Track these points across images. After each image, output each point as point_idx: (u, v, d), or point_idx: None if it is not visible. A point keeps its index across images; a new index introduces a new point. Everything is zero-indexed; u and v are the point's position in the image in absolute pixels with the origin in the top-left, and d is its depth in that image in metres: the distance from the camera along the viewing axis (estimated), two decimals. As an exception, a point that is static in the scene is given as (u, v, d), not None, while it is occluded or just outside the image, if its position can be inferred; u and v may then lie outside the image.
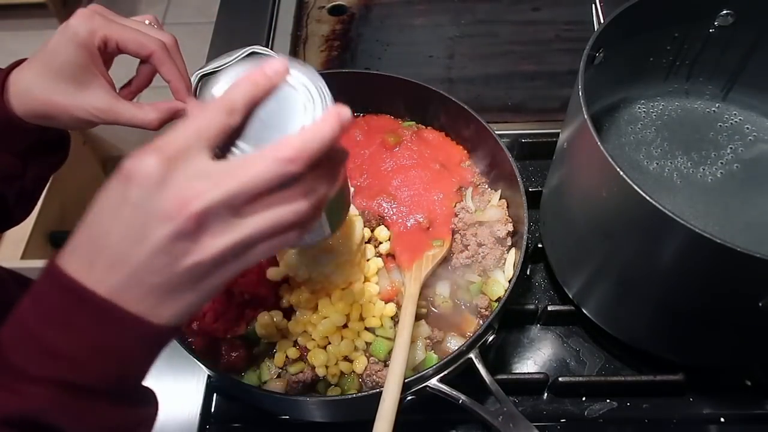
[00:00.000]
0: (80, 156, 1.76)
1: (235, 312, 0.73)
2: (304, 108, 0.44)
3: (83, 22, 0.57)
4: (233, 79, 0.44)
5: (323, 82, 0.46)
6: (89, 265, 0.39)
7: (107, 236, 0.39)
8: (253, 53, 0.88)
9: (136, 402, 0.44)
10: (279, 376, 0.71)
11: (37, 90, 0.59)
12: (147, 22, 0.62)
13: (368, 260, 0.77)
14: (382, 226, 0.80)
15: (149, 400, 0.45)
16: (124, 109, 0.60)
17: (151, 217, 0.37)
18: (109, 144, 1.84)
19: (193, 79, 0.82)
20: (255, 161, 0.38)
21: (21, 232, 1.56)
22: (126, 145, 1.86)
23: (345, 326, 0.73)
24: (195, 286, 0.40)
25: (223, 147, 0.40)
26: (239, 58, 0.85)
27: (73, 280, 0.39)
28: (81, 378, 0.39)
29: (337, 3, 1.27)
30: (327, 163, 0.41)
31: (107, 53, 0.60)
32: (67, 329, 0.39)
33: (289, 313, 0.73)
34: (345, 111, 0.40)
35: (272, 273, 0.74)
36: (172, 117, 0.62)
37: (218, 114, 0.40)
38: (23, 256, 1.54)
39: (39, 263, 1.53)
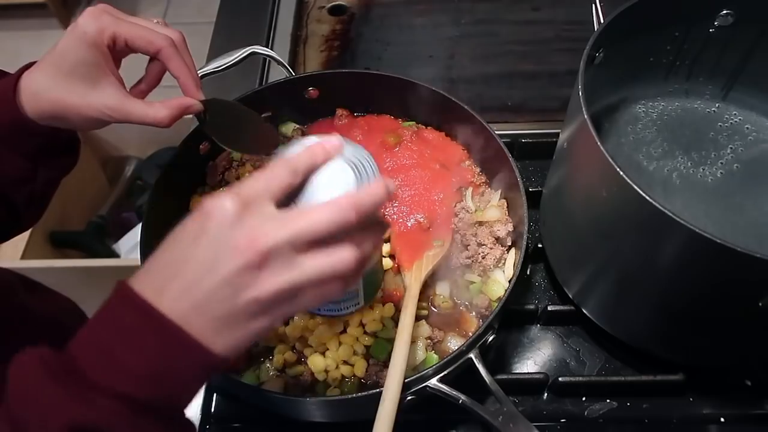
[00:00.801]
0: (80, 156, 1.76)
1: None
2: (353, 179, 0.51)
3: (92, 21, 0.58)
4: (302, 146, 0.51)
5: (372, 160, 0.53)
6: (161, 289, 0.42)
7: (182, 264, 0.42)
8: (253, 53, 0.88)
9: (179, 426, 0.45)
10: (278, 375, 0.71)
11: (49, 91, 0.59)
12: (155, 21, 0.63)
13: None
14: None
15: (189, 429, 0.47)
16: (135, 107, 0.61)
17: (224, 250, 0.41)
18: (109, 144, 1.84)
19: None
20: (318, 208, 0.43)
21: (22, 233, 1.56)
22: (126, 145, 1.86)
23: (344, 331, 0.73)
24: (248, 323, 0.43)
25: (283, 202, 0.46)
26: (239, 58, 0.86)
27: (145, 301, 0.41)
28: (143, 394, 0.41)
29: (337, 3, 1.27)
30: (372, 226, 0.47)
31: (116, 51, 0.61)
32: (137, 348, 0.41)
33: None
34: (391, 183, 0.46)
35: None
36: (183, 113, 0.64)
37: (284, 173, 0.45)
38: (23, 256, 1.54)
39: (39, 263, 1.53)
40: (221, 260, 0.41)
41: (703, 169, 0.78)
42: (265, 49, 0.88)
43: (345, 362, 0.71)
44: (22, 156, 0.64)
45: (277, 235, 0.41)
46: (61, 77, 0.59)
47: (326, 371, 0.71)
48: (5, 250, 1.54)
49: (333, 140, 0.49)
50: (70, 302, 0.89)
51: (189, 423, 0.46)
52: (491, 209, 0.81)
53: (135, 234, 1.78)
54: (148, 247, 0.74)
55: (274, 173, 0.45)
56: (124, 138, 1.83)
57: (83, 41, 0.57)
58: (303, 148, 0.49)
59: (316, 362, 0.70)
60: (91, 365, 0.41)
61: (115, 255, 1.77)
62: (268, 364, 0.72)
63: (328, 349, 0.72)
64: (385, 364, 0.71)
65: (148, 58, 0.65)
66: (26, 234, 1.56)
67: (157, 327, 0.41)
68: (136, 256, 1.75)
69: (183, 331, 0.41)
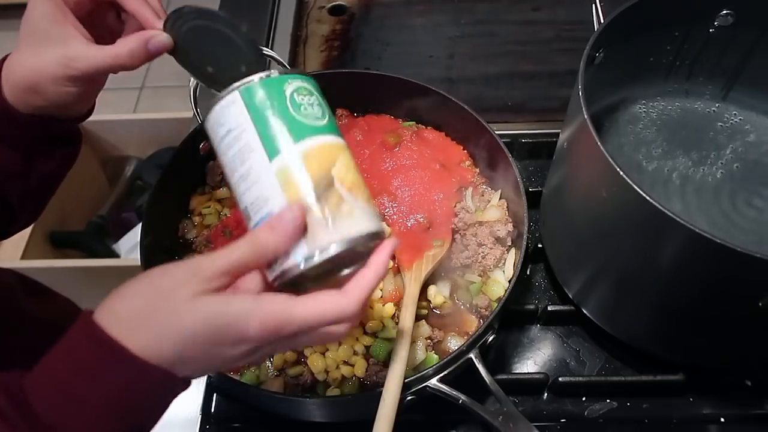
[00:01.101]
0: (80, 156, 1.76)
1: None
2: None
3: None
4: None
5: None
6: (131, 328, 0.42)
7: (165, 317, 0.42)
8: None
9: None
10: (277, 375, 0.71)
11: (20, 62, 0.59)
12: None
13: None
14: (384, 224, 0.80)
15: None
16: (96, 51, 0.58)
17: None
18: (109, 144, 1.84)
19: (191, 84, 0.83)
20: (325, 302, 0.44)
21: (21, 232, 1.56)
22: (126, 145, 1.86)
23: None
24: (227, 366, 0.45)
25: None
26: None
27: (107, 335, 0.41)
28: (100, 427, 0.40)
29: (337, 3, 1.27)
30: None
31: (78, 6, 0.60)
32: (96, 381, 0.41)
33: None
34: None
35: None
36: (147, 48, 0.59)
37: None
38: (23, 256, 1.54)
39: (39, 263, 1.53)
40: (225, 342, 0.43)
41: (703, 169, 0.78)
42: (265, 49, 0.88)
43: (345, 362, 0.71)
44: (12, 149, 0.62)
45: (286, 330, 0.43)
46: (28, 45, 0.59)
47: (326, 371, 0.71)
48: (5, 249, 1.55)
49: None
50: (71, 303, 0.89)
51: None
52: (491, 209, 0.81)
53: (135, 234, 1.78)
54: (148, 247, 0.74)
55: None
56: (124, 138, 1.83)
57: (41, 1, 0.58)
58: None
59: (316, 362, 0.70)
60: (42, 400, 0.40)
61: (115, 255, 1.77)
62: (268, 364, 0.72)
63: (328, 350, 0.72)
64: (385, 364, 0.71)
65: None
66: (26, 234, 1.56)
67: (119, 359, 0.41)
68: (136, 256, 1.74)
69: (149, 363, 0.41)
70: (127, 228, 1.81)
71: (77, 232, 1.76)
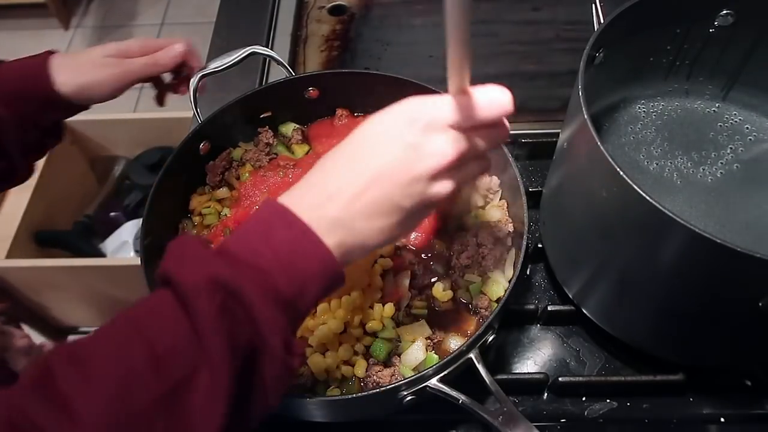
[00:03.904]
0: (68, 156, 1.76)
1: None
2: None
3: None
4: None
5: None
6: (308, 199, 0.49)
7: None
8: (253, 53, 0.88)
9: (293, 322, 0.49)
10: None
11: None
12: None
13: (375, 261, 0.77)
14: None
15: (295, 356, 0.48)
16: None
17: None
18: (96, 144, 1.84)
19: (194, 80, 0.83)
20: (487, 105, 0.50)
21: (6, 231, 1.56)
22: (114, 145, 1.86)
23: (344, 331, 0.73)
24: (414, 218, 0.52)
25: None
26: (239, 58, 0.86)
27: (283, 206, 0.48)
28: (274, 274, 0.46)
29: (337, 3, 1.27)
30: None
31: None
32: (269, 238, 0.47)
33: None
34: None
35: None
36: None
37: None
38: (8, 255, 1.54)
39: (24, 262, 1.52)
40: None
41: (703, 169, 0.78)
42: (265, 49, 0.88)
43: (345, 362, 0.71)
44: (39, 127, 0.74)
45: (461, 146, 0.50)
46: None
47: (326, 371, 0.71)
48: None
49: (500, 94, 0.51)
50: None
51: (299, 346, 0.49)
52: (491, 209, 0.81)
53: (121, 233, 1.77)
54: (148, 247, 0.74)
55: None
56: (111, 138, 1.83)
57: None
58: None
59: (317, 362, 0.70)
60: (234, 245, 0.47)
61: (101, 254, 1.76)
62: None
63: (328, 350, 0.72)
64: (385, 364, 0.71)
65: None
66: (11, 233, 1.56)
67: (290, 226, 0.47)
68: (123, 255, 1.75)
69: (310, 229, 0.47)
70: (115, 227, 1.80)
71: (63, 231, 1.76)
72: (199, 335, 0.43)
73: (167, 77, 0.86)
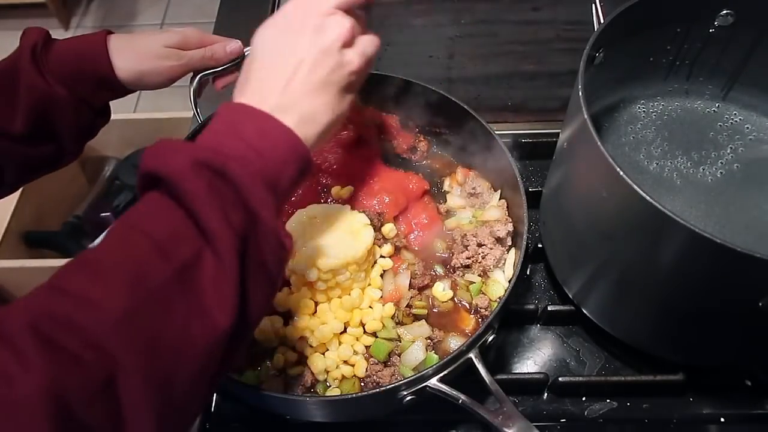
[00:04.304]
0: None
1: None
2: None
3: None
4: None
5: None
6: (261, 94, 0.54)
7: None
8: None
9: (281, 197, 0.52)
10: (278, 375, 0.71)
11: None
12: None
13: (375, 262, 0.77)
14: (390, 224, 0.80)
15: (288, 235, 0.51)
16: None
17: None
18: (86, 144, 1.84)
19: (194, 81, 0.83)
20: None
21: None
22: (104, 146, 1.85)
23: (344, 331, 0.73)
24: (344, 92, 0.58)
25: None
26: (239, 58, 0.85)
27: (241, 103, 0.53)
28: (252, 158, 0.49)
29: (337, 3, 1.27)
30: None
31: None
32: (237, 135, 0.50)
33: (287, 317, 0.73)
34: None
35: (279, 298, 0.74)
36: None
37: None
38: None
39: (12, 263, 1.52)
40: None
41: (703, 169, 0.78)
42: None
43: (345, 362, 0.71)
44: (93, 107, 0.76)
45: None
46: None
47: (326, 371, 0.71)
48: None
49: None
50: None
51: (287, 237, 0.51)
52: (491, 209, 0.81)
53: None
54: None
55: None
56: (102, 138, 1.82)
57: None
58: None
59: (317, 362, 0.70)
60: (207, 143, 0.50)
61: (90, 255, 1.76)
62: (268, 363, 0.72)
63: (328, 350, 0.72)
64: (385, 364, 0.71)
65: None
66: (0, 233, 1.56)
67: (253, 118, 0.52)
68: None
69: (272, 116, 0.52)
70: (104, 228, 1.79)
71: (52, 232, 1.75)
72: (194, 217, 0.45)
73: None
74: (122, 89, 0.76)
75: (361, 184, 0.84)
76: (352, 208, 0.79)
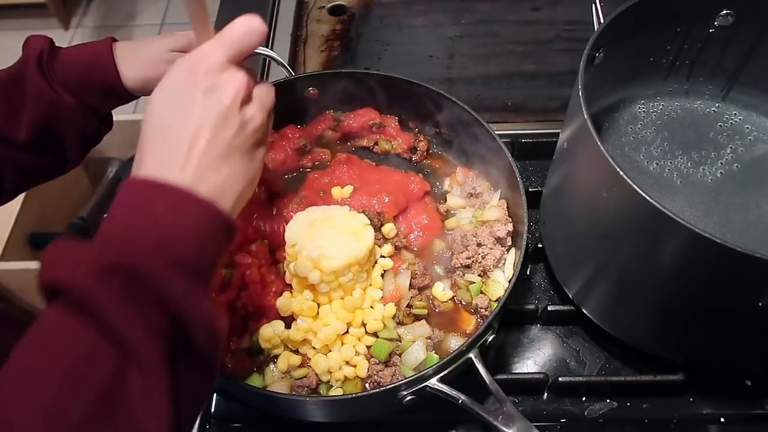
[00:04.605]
0: None
1: (240, 325, 0.73)
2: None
3: None
4: None
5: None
6: (164, 164, 0.49)
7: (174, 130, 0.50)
8: (253, 53, 0.88)
9: (205, 284, 0.48)
10: (282, 378, 0.71)
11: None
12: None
13: (376, 262, 0.77)
14: (390, 223, 0.80)
15: (219, 315, 0.48)
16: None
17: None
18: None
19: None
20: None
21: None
22: (108, 146, 1.85)
23: (346, 332, 0.73)
24: (252, 152, 0.54)
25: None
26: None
27: (149, 179, 0.48)
28: (166, 245, 0.45)
29: (337, 3, 1.27)
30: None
31: None
32: (152, 215, 0.46)
33: (289, 321, 0.74)
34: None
35: (282, 304, 0.74)
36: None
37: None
38: (2, 258, 1.53)
39: (17, 265, 1.52)
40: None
41: (703, 169, 0.78)
42: (265, 49, 0.88)
43: (347, 363, 0.71)
44: (98, 115, 0.75)
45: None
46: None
47: (329, 372, 0.71)
48: None
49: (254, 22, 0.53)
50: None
51: (219, 311, 0.48)
52: (491, 209, 0.81)
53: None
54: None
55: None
56: (106, 139, 1.83)
57: None
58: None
59: (319, 363, 0.70)
60: (114, 233, 0.46)
61: (95, 257, 1.76)
62: (272, 368, 0.72)
63: (330, 350, 0.72)
64: (386, 364, 0.71)
65: None
66: (5, 235, 1.56)
67: (163, 193, 0.47)
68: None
69: (183, 189, 0.47)
70: None
71: (57, 233, 1.74)
72: (110, 332, 0.40)
73: None
74: (128, 96, 0.76)
75: (361, 185, 0.84)
76: (352, 209, 0.79)
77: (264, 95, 0.56)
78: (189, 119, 0.50)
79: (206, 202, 0.48)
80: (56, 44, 0.74)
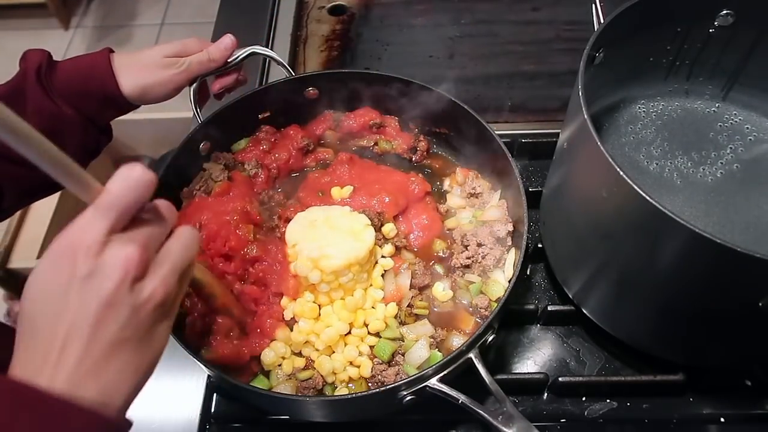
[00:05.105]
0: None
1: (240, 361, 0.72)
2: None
3: None
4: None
5: None
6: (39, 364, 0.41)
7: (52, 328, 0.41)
8: (253, 53, 0.88)
9: None
10: (288, 379, 0.72)
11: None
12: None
13: (376, 262, 0.77)
14: (390, 223, 0.80)
15: None
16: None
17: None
18: (122, 144, 1.85)
19: (194, 82, 0.83)
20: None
21: (36, 232, 1.57)
22: (139, 144, 1.86)
23: (348, 333, 0.73)
24: (150, 336, 0.45)
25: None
26: (239, 58, 0.86)
27: (18, 382, 0.40)
28: None
29: (337, 3, 1.27)
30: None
31: None
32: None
33: (290, 324, 0.74)
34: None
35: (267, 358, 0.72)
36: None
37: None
38: (39, 256, 1.54)
39: None
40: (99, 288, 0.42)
41: (703, 169, 0.78)
42: (265, 49, 0.88)
43: (351, 363, 0.71)
44: (98, 126, 0.75)
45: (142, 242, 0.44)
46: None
47: (334, 373, 0.71)
48: (22, 250, 1.55)
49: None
50: None
51: None
52: (491, 209, 0.81)
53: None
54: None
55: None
56: (136, 138, 1.83)
57: None
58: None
59: (324, 364, 0.70)
60: None
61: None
62: (278, 371, 0.72)
63: (334, 352, 0.72)
64: (390, 363, 0.71)
65: None
66: (41, 234, 1.57)
67: (29, 405, 0.39)
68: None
69: (62, 399, 0.40)
70: None
71: None
72: None
73: None
74: (127, 106, 0.76)
75: (362, 185, 0.84)
76: (352, 209, 0.79)
77: (175, 254, 0.47)
78: (60, 316, 0.42)
79: (89, 413, 0.40)
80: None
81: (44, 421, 0.39)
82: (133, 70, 0.74)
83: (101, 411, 0.41)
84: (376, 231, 0.77)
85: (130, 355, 0.44)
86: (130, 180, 0.45)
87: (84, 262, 0.42)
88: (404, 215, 0.83)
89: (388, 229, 0.80)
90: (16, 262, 1.52)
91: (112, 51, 0.75)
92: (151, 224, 0.47)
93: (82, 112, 0.72)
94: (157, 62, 0.76)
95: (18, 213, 1.56)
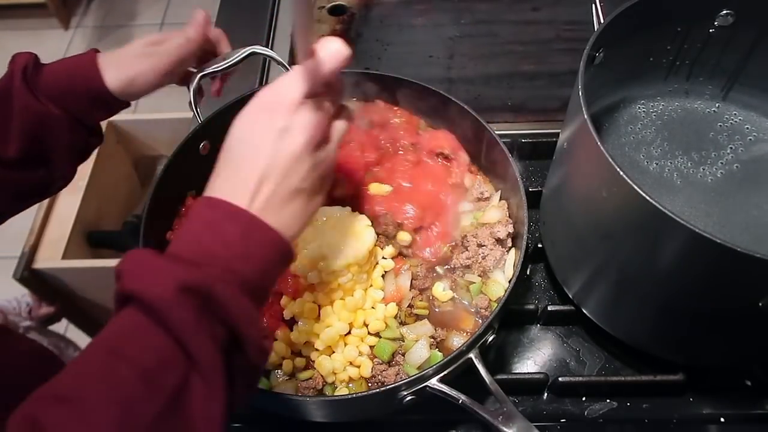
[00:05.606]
0: (113, 155, 1.78)
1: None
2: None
3: None
4: None
5: None
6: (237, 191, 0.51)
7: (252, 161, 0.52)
8: (253, 53, 0.88)
9: (261, 300, 0.52)
10: (287, 380, 0.72)
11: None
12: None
13: (377, 263, 0.77)
14: (406, 233, 0.79)
15: (268, 335, 0.53)
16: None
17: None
18: (141, 143, 1.84)
19: (194, 81, 0.83)
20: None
21: (60, 233, 1.57)
22: (158, 143, 1.86)
23: (348, 333, 0.73)
24: (318, 191, 0.56)
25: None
26: (239, 58, 0.86)
27: (225, 202, 0.50)
28: (235, 267, 0.48)
29: (337, 3, 1.27)
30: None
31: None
32: (221, 235, 0.49)
33: (290, 324, 0.74)
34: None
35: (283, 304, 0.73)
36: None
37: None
38: (64, 256, 1.55)
39: (79, 263, 1.54)
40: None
41: (703, 169, 0.78)
42: (265, 49, 0.88)
43: (351, 363, 0.71)
44: (86, 127, 0.75)
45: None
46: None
47: (334, 373, 0.71)
48: (47, 250, 1.55)
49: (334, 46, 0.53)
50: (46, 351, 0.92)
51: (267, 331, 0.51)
52: (491, 210, 0.81)
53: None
54: (148, 246, 0.74)
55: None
56: (156, 137, 1.83)
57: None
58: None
59: (324, 365, 0.70)
60: (187, 251, 0.48)
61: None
62: (277, 371, 0.72)
63: (334, 352, 0.72)
64: (390, 364, 0.71)
65: None
66: (66, 234, 1.57)
67: (236, 218, 0.50)
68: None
69: (255, 216, 0.50)
70: None
71: (113, 232, 1.76)
72: (182, 344, 0.43)
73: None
74: (115, 103, 0.76)
75: (397, 186, 0.82)
76: (378, 214, 0.78)
77: (339, 132, 0.58)
78: (260, 159, 0.52)
79: (274, 233, 0.51)
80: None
81: (246, 230, 0.49)
82: (116, 65, 0.74)
83: (282, 233, 0.51)
84: (390, 238, 0.76)
85: (302, 203, 0.54)
86: (333, 53, 0.52)
87: (282, 117, 0.52)
88: (427, 230, 0.80)
89: (403, 237, 0.78)
90: (40, 263, 1.52)
91: (97, 51, 0.75)
92: (333, 95, 0.56)
93: (69, 111, 0.72)
94: (137, 53, 0.75)
95: (42, 214, 1.56)
